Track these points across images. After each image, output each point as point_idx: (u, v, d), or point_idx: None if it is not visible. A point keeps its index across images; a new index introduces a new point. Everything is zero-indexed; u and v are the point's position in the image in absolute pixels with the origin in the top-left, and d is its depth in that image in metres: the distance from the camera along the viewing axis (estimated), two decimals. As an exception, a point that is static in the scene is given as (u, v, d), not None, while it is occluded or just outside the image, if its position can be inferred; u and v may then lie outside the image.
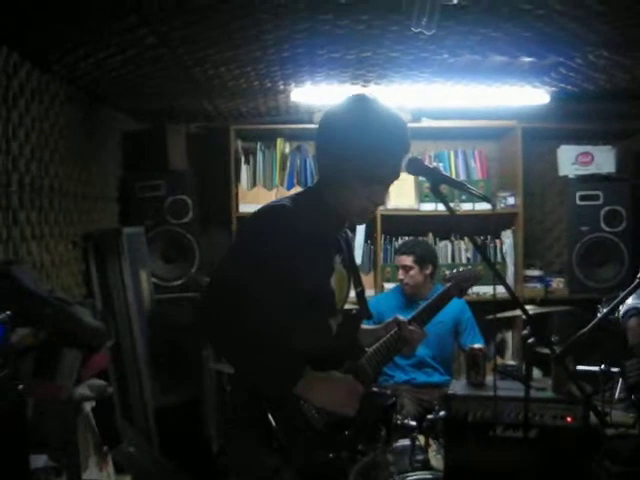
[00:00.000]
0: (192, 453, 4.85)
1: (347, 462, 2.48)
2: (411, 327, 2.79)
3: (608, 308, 2.87)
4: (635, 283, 2.88)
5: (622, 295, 2.86)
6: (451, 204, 2.48)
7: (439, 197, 2.47)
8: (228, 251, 2.38)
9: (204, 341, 4.68)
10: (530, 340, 3.19)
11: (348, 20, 3.23)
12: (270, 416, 2.31)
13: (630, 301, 3.69)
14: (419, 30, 2.77)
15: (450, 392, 3.71)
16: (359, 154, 2.33)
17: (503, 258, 5.98)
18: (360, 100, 2.43)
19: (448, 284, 3.20)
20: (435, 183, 2.45)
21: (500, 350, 5.98)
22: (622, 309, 3.71)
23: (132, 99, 5.07)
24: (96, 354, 3.61)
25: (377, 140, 2.33)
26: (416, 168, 2.46)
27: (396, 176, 2.43)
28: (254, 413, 2.34)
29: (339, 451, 2.41)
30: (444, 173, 2.51)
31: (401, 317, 2.84)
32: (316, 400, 2.33)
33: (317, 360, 2.35)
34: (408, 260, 5.07)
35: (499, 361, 5.39)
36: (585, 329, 2.84)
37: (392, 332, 2.77)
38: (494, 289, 2.92)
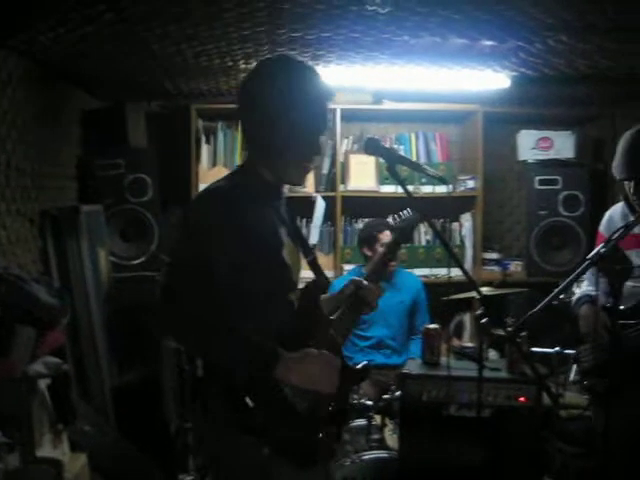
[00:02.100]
0: (149, 432, 4.84)
1: (333, 441, 2.47)
2: (367, 284, 2.74)
3: (559, 288, 2.90)
4: (585, 264, 2.90)
5: (573, 275, 2.89)
6: (411, 186, 2.51)
7: (395, 178, 2.50)
8: (177, 243, 2.36)
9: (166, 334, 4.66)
10: (483, 320, 3.22)
11: (308, -1, 3.22)
12: (249, 404, 2.25)
13: (584, 287, 3.74)
14: (374, 8, 2.78)
15: (405, 371, 3.75)
16: (286, 112, 2.33)
17: (462, 241, 6.01)
18: (272, 62, 2.45)
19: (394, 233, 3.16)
20: (391, 163, 2.49)
21: (458, 331, 6.03)
22: (575, 296, 3.75)
23: (91, 76, 5.00)
24: (52, 331, 3.59)
25: (300, 94, 2.35)
26: (373, 148, 2.50)
27: (325, 125, 2.45)
28: (231, 404, 2.28)
29: (324, 431, 2.38)
30: (401, 154, 2.53)
31: (357, 278, 2.80)
32: (296, 381, 2.27)
33: (285, 339, 2.31)
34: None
35: (456, 342, 5.44)
36: (536, 308, 2.88)
37: (350, 293, 2.73)
38: (449, 271, 2.94)
